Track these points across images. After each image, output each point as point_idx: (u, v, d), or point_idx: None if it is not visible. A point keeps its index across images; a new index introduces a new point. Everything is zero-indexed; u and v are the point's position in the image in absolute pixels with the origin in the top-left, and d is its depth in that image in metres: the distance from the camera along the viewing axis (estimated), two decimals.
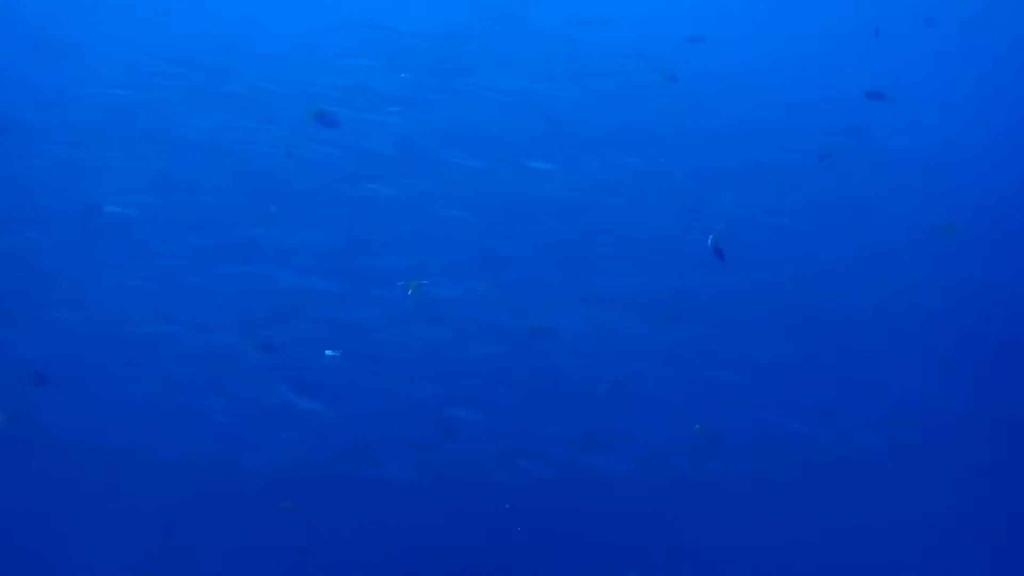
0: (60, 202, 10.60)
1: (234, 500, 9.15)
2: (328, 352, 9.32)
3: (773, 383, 10.30)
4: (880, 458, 10.32)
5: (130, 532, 8.80)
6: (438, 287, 9.54)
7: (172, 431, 9.29)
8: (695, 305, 10.57)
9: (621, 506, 9.51)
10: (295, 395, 9.28)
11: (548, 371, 10.00)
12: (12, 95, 11.65)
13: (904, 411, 10.72)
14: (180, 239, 10.52)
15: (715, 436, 9.26)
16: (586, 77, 13.19)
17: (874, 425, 10.42)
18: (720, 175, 12.37)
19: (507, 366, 9.98)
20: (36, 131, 10.95)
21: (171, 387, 9.54)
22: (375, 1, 14.96)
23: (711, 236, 8.26)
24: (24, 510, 9.20)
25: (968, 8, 17.90)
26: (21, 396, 9.22)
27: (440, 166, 10.98)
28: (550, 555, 9.36)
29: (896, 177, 13.29)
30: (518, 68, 12.75)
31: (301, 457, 9.19)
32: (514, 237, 10.88)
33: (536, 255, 10.76)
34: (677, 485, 9.71)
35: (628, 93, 12.89)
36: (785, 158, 12.91)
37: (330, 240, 10.55)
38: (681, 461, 9.61)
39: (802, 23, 17.92)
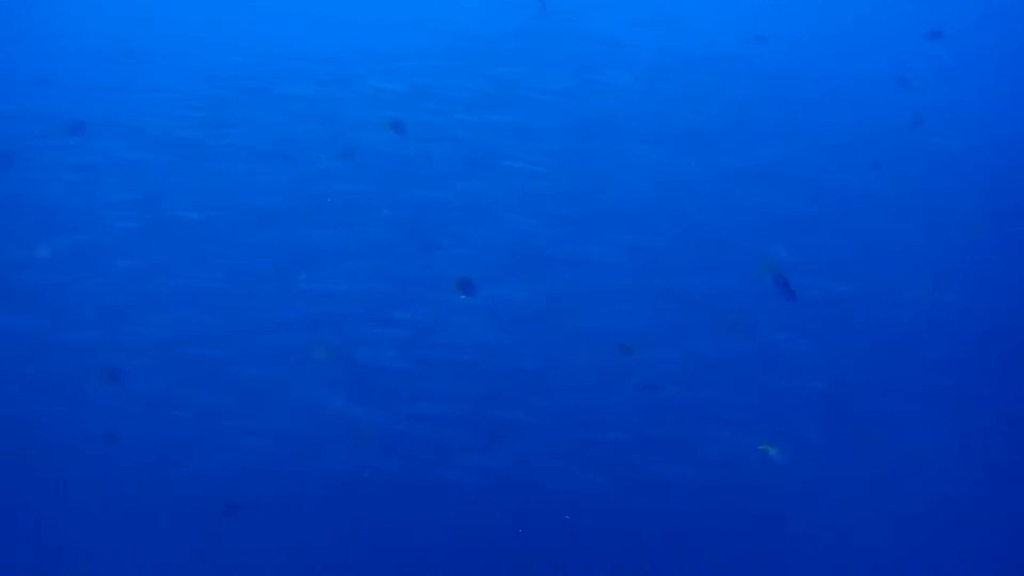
0: (127, 202, 10.64)
1: (291, 502, 9.08)
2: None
3: (831, 391, 9.98)
4: (944, 467, 9.94)
5: (186, 535, 8.84)
6: (498, 288, 9.37)
7: (233, 434, 9.14)
8: (758, 308, 10.25)
9: (678, 512, 9.25)
10: (353, 397, 9.17)
11: (605, 374, 9.76)
12: (84, 97, 11.72)
13: (971, 415, 10.34)
14: (243, 240, 10.52)
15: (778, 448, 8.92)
16: (644, 78, 12.93)
17: (939, 433, 10.05)
18: (779, 177, 12.05)
19: (564, 369, 9.77)
20: (105, 132, 11.00)
21: (232, 390, 9.41)
22: (433, 3, 14.88)
23: (774, 276, 8.10)
24: (89, 508, 9.23)
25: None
26: (95, 393, 9.30)
27: (498, 168, 10.81)
28: (604, 560, 9.13)
29: (951, 178, 12.88)
30: (576, 69, 12.53)
31: (357, 459, 9.07)
32: (573, 239, 10.66)
33: (595, 257, 10.52)
34: (737, 492, 9.42)
35: (689, 94, 12.60)
36: (843, 159, 12.56)
37: (389, 242, 10.43)
38: (741, 468, 9.31)
39: (858, 21, 17.44)
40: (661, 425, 9.57)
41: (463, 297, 8.22)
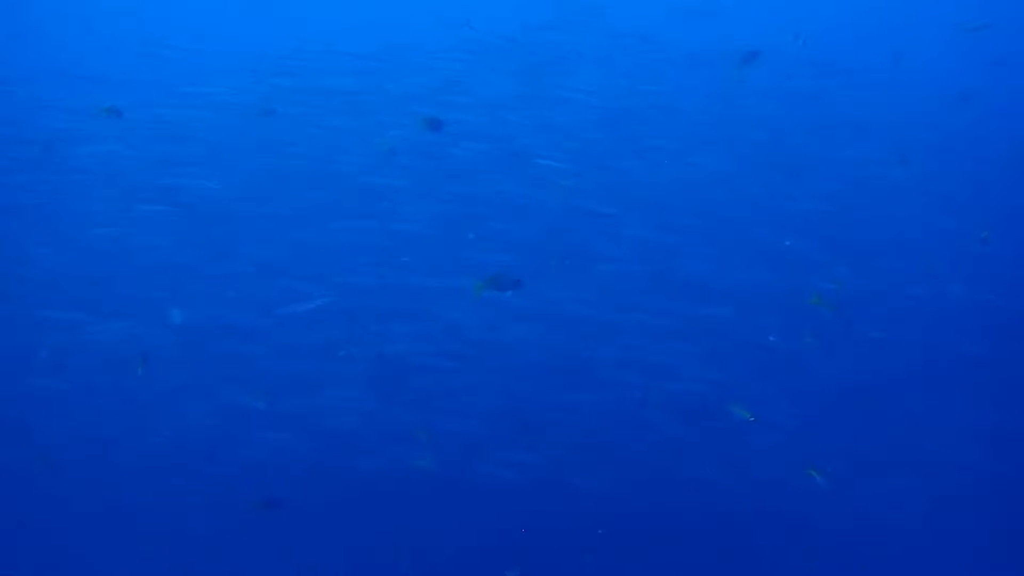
0: (159, 194, 10.53)
1: (321, 499, 8.93)
2: None
3: (868, 390, 9.79)
4: (978, 468, 9.71)
5: (214, 530, 8.71)
6: (531, 283, 9.17)
7: (268, 431, 8.90)
8: (789, 305, 10.06)
9: (710, 514, 9.06)
10: (385, 393, 9.04)
11: (640, 369, 9.57)
12: (122, 93, 11.60)
13: (1007, 414, 10.09)
14: (275, 234, 10.36)
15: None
16: (669, 72, 12.76)
17: (975, 433, 9.84)
18: (805, 171, 11.86)
19: (598, 365, 9.60)
20: (142, 124, 10.92)
21: (267, 386, 9.14)
22: (462, 1, 14.74)
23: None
24: (116, 502, 9.07)
25: None
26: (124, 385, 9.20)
27: (529, 164, 10.65)
28: (637, 562, 8.97)
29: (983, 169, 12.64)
30: (603, 65, 12.38)
31: (395, 455, 8.93)
32: (605, 235, 10.47)
33: (627, 253, 10.31)
34: (766, 492, 9.24)
35: (713, 91, 12.41)
36: (870, 154, 12.37)
37: (422, 237, 10.25)
38: (769, 467, 9.14)
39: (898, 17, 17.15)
40: (693, 425, 9.38)
41: (509, 293, 7.99)
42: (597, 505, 8.90)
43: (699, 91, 12.44)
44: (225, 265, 10.15)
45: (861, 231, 11.48)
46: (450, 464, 8.92)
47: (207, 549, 8.64)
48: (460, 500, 8.86)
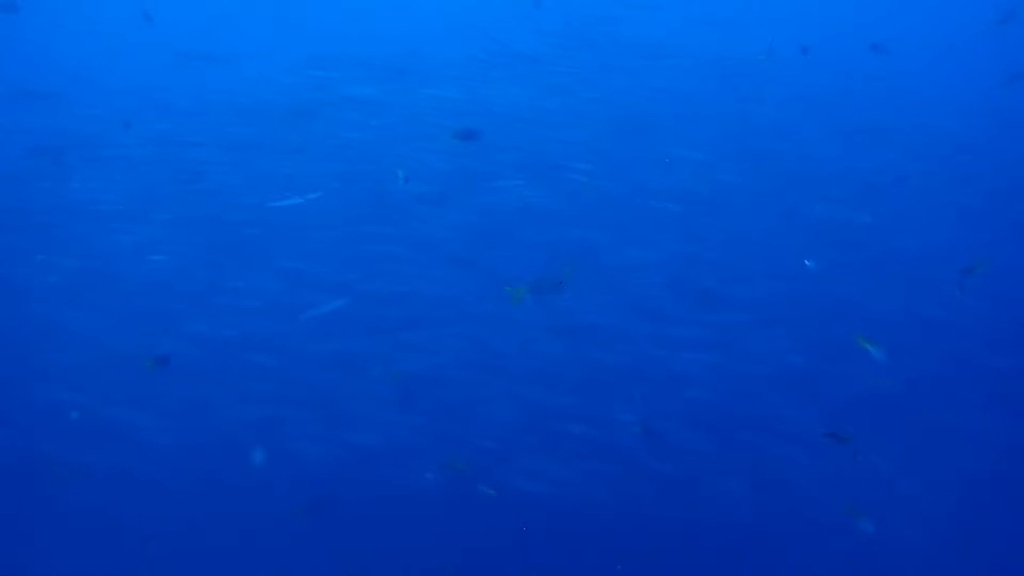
0: (183, 200, 10.48)
1: (346, 511, 8.81)
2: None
3: (885, 401, 9.64)
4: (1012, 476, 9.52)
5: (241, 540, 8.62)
6: (552, 292, 9.07)
7: (289, 441, 8.79)
8: (806, 317, 9.92)
9: (740, 530, 8.91)
10: (410, 404, 8.94)
11: (658, 379, 9.45)
12: (144, 101, 11.59)
13: None
14: (298, 243, 10.32)
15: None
16: (686, 81, 12.70)
17: (1005, 443, 9.66)
18: (824, 180, 11.76)
19: (617, 375, 9.47)
20: (165, 134, 10.90)
21: (295, 393, 9.07)
22: (479, 12, 14.71)
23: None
24: (143, 510, 9.00)
25: None
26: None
27: (551, 174, 10.59)
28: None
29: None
30: (621, 75, 12.32)
31: (416, 467, 8.81)
32: (623, 244, 10.38)
33: (647, 261, 10.22)
34: (786, 503, 9.08)
35: (731, 99, 12.33)
36: (887, 161, 12.26)
37: (443, 244, 10.20)
38: (800, 483, 8.98)
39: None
40: (712, 436, 9.22)
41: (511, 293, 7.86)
42: (617, 517, 8.72)
43: (717, 100, 12.36)
44: (246, 274, 10.06)
45: (878, 241, 11.36)
46: (470, 476, 8.79)
47: (219, 557, 8.53)
48: (479, 513, 8.71)
